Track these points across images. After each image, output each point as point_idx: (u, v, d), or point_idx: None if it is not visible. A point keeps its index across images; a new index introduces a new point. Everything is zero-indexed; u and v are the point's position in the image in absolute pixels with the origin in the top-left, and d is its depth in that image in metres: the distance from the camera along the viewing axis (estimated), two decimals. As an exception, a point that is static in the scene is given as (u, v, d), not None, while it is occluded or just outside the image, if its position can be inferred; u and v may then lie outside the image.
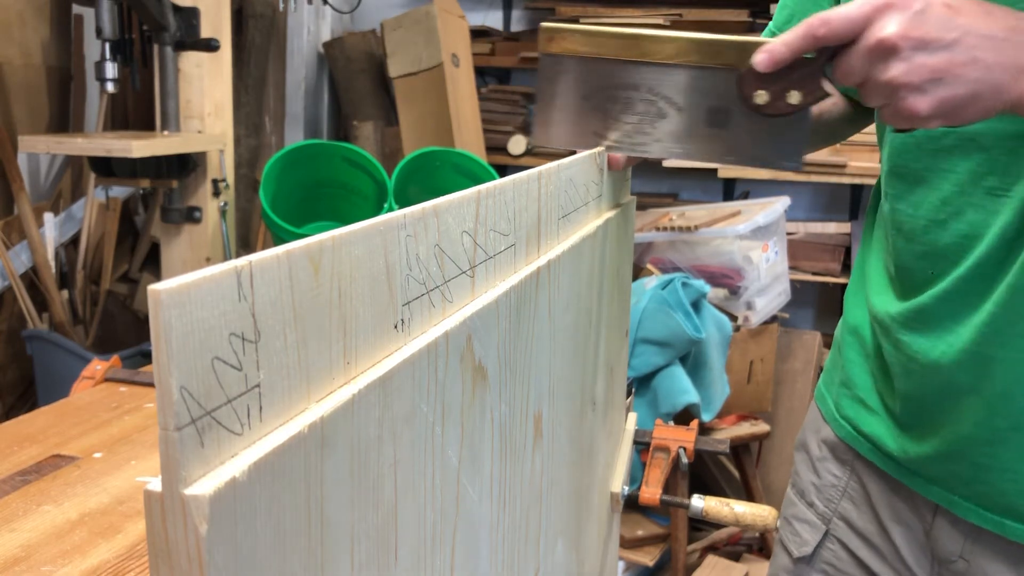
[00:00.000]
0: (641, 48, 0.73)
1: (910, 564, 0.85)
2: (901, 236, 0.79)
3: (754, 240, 2.52)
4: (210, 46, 2.23)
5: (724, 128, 0.74)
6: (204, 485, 0.26)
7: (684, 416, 2.14)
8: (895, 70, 0.60)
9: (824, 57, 0.66)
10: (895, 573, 0.87)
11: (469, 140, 2.99)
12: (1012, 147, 0.70)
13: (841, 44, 0.63)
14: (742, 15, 2.98)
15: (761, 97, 0.69)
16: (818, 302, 3.24)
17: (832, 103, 0.92)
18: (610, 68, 0.74)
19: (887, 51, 0.61)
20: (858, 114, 0.94)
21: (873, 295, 0.84)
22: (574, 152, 0.79)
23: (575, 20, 3.21)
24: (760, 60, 0.67)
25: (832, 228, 3.00)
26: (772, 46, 0.66)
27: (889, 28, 0.60)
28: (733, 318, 2.48)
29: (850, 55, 0.63)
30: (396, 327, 0.38)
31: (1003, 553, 0.78)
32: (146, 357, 2.34)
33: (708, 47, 0.72)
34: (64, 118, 2.81)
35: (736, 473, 2.57)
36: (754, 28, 2.95)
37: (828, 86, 0.68)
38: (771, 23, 0.95)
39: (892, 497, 0.86)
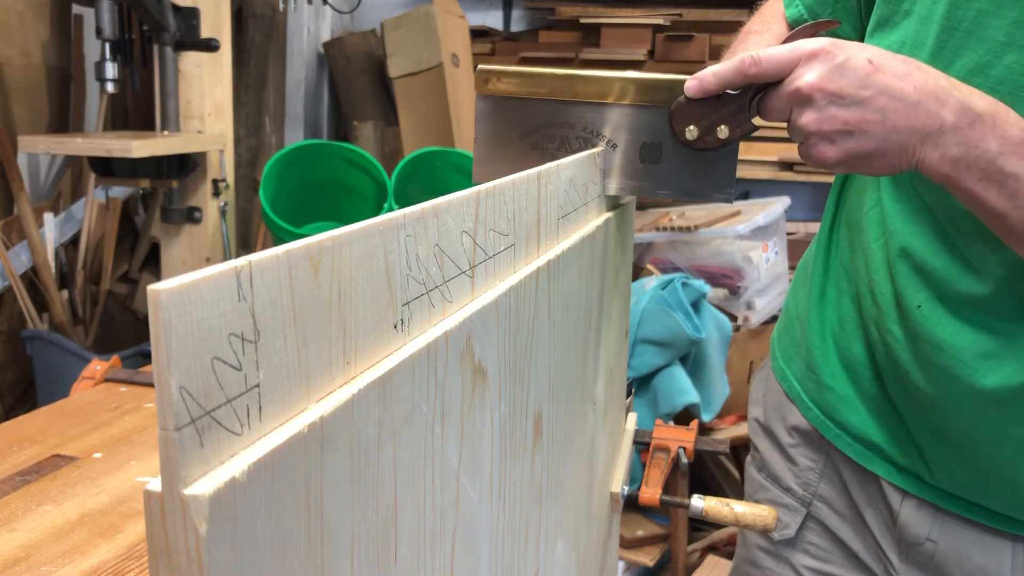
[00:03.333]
0: (576, 89, 0.75)
1: (883, 545, 0.88)
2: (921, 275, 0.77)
3: (754, 240, 2.52)
4: (210, 46, 2.23)
5: (657, 163, 0.75)
6: (204, 485, 0.25)
7: (684, 416, 2.14)
8: (808, 118, 0.64)
9: (751, 93, 0.68)
10: (870, 552, 0.89)
11: (469, 140, 2.99)
12: None
13: (768, 83, 0.66)
14: (742, 15, 2.96)
15: (692, 132, 0.72)
16: (818, 302, 3.23)
17: None
18: (546, 107, 0.76)
19: (803, 99, 0.64)
20: None
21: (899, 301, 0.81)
22: None
23: (575, 20, 3.21)
24: (690, 86, 0.70)
25: (832, 228, 3.00)
26: (702, 75, 0.69)
27: (808, 77, 0.63)
28: (733, 318, 2.48)
29: (774, 95, 0.66)
30: (396, 327, 0.38)
31: (972, 533, 0.81)
32: (146, 357, 2.34)
33: (641, 86, 0.74)
34: (64, 118, 2.81)
35: (736, 473, 2.57)
36: (754, 28, 2.95)
37: (754, 122, 0.70)
38: None
39: (864, 481, 0.88)
